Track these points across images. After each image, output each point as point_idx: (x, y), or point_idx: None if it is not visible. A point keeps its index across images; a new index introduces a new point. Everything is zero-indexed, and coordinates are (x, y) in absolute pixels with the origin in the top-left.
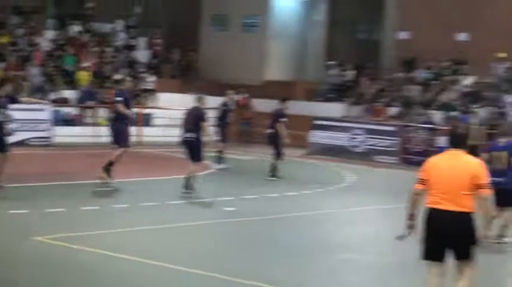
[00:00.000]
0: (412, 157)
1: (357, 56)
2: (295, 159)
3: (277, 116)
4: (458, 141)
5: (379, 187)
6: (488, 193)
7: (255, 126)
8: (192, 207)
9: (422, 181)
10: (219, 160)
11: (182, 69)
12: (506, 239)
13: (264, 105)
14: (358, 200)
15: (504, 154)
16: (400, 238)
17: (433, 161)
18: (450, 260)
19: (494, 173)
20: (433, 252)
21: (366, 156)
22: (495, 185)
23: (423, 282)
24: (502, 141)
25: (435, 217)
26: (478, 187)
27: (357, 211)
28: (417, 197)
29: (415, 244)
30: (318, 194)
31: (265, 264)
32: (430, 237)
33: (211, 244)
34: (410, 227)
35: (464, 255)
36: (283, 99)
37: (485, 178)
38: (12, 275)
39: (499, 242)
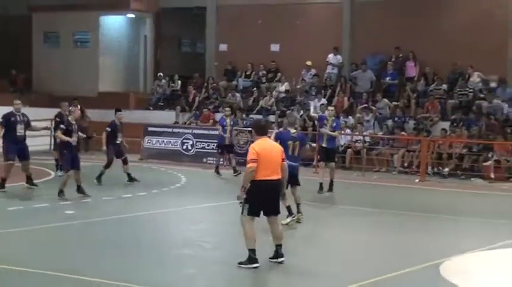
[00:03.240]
0: (239, 157)
1: (183, 67)
2: (130, 164)
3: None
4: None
5: (209, 187)
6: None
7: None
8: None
9: (255, 161)
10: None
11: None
12: None
13: (99, 115)
14: (191, 199)
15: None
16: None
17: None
18: None
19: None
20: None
21: (197, 158)
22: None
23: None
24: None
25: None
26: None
27: (190, 209)
28: (253, 173)
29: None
30: (153, 195)
31: (102, 260)
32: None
33: (52, 245)
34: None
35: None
36: (117, 110)
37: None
38: None
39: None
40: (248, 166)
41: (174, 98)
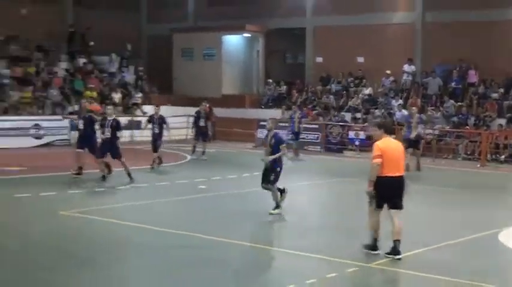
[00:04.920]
0: (332, 145)
1: (287, 75)
2: (246, 150)
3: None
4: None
5: (308, 169)
6: None
7: (216, 127)
8: (174, 186)
9: (380, 156)
10: (194, 152)
11: (161, 88)
12: None
13: (222, 112)
14: (298, 177)
15: None
16: (368, 193)
17: (382, 145)
18: None
19: None
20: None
21: (299, 146)
22: None
23: None
24: None
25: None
26: None
27: (301, 185)
28: (378, 168)
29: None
30: None
31: (229, 225)
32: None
33: (191, 212)
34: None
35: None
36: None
37: None
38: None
39: None
40: (373, 161)
41: (280, 99)
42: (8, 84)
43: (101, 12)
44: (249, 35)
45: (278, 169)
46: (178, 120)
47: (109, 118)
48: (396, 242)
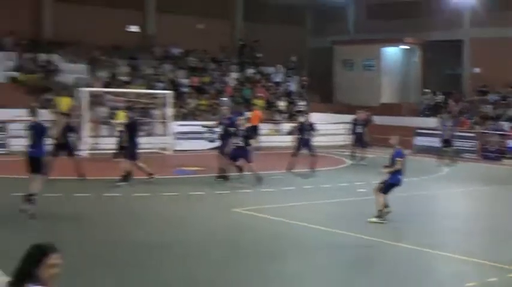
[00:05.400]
0: (488, 153)
1: (444, 85)
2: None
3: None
4: None
5: (466, 176)
6: None
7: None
8: (335, 189)
9: None
10: (354, 157)
11: (322, 97)
12: None
13: (380, 119)
14: (446, 185)
15: None
16: None
17: None
18: None
19: None
20: None
21: (455, 154)
22: None
23: None
24: None
25: None
26: None
27: (445, 192)
28: None
29: None
30: (423, 180)
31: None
32: None
33: (352, 214)
34: None
35: None
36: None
37: None
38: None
39: None
40: None
41: (437, 108)
42: (187, 92)
43: (269, 27)
44: (407, 47)
45: (389, 181)
46: (337, 127)
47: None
48: None
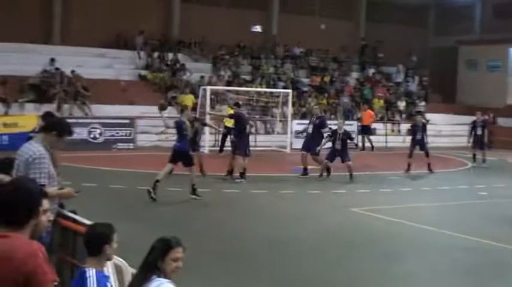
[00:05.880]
0: None
1: None
2: None
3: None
4: None
5: None
6: None
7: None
8: (454, 191)
9: None
10: (475, 160)
11: (444, 98)
12: None
13: (506, 122)
14: None
15: None
16: None
17: None
18: None
19: None
20: None
21: None
22: None
23: None
24: None
25: None
26: None
27: None
28: None
29: None
30: None
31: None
32: None
33: (472, 217)
34: None
35: None
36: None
37: None
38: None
39: None
40: None
41: None
42: (307, 91)
43: (391, 27)
44: None
45: None
46: (459, 128)
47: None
48: None
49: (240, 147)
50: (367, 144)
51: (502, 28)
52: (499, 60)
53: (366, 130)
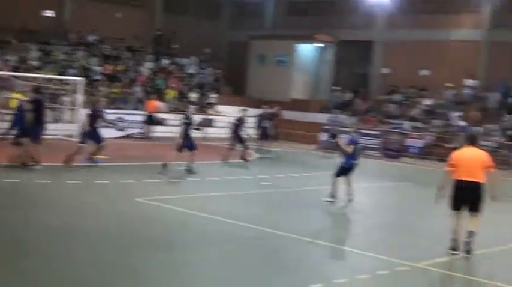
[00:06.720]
0: (390, 151)
1: (353, 84)
2: (311, 151)
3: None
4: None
5: (366, 172)
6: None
7: (284, 128)
8: (241, 181)
9: (450, 165)
10: (260, 151)
11: (235, 90)
12: None
13: (290, 114)
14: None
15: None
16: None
17: (456, 154)
18: None
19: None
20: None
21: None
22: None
23: None
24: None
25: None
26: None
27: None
28: (448, 174)
29: None
30: (326, 175)
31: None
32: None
33: (249, 205)
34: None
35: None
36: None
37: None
38: (120, 224)
39: None
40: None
41: (345, 106)
42: (100, 80)
43: (187, 19)
44: (320, 45)
45: (342, 166)
46: (248, 121)
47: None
48: (467, 240)
49: (36, 134)
50: (157, 135)
51: (292, 25)
52: (286, 55)
53: (150, 120)
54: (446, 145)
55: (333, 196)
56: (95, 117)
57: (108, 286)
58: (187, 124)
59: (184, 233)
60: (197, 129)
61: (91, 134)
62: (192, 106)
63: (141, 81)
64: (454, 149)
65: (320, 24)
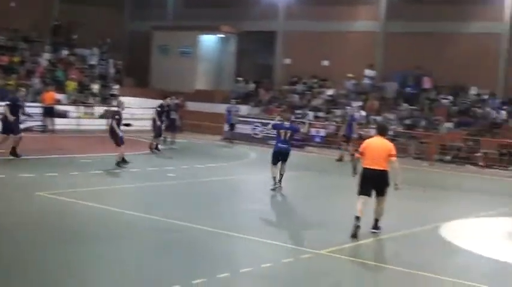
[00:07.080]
0: (294, 141)
1: (256, 74)
2: (216, 142)
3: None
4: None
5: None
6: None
7: (189, 119)
8: (145, 173)
9: (360, 152)
10: (165, 142)
11: (138, 82)
12: None
13: (194, 105)
14: (254, 170)
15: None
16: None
17: (366, 143)
18: None
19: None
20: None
21: (263, 141)
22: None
23: None
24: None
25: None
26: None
27: (253, 177)
28: (358, 161)
29: None
30: (232, 165)
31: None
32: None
33: (156, 198)
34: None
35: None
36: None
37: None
38: (22, 219)
39: None
40: (355, 155)
41: (249, 97)
42: None
43: (86, 8)
44: (223, 36)
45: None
46: (151, 113)
47: None
48: (375, 220)
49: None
50: (57, 127)
51: (195, 16)
52: (190, 46)
53: (48, 112)
54: (336, 133)
55: (275, 183)
56: (15, 107)
57: None
58: (118, 120)
59: (87, 227)
60: (127, 125)
61: (12, 125)
62: (122, 101)
63: (39, 72)
64: (345, 137)
65: (223, 15)
